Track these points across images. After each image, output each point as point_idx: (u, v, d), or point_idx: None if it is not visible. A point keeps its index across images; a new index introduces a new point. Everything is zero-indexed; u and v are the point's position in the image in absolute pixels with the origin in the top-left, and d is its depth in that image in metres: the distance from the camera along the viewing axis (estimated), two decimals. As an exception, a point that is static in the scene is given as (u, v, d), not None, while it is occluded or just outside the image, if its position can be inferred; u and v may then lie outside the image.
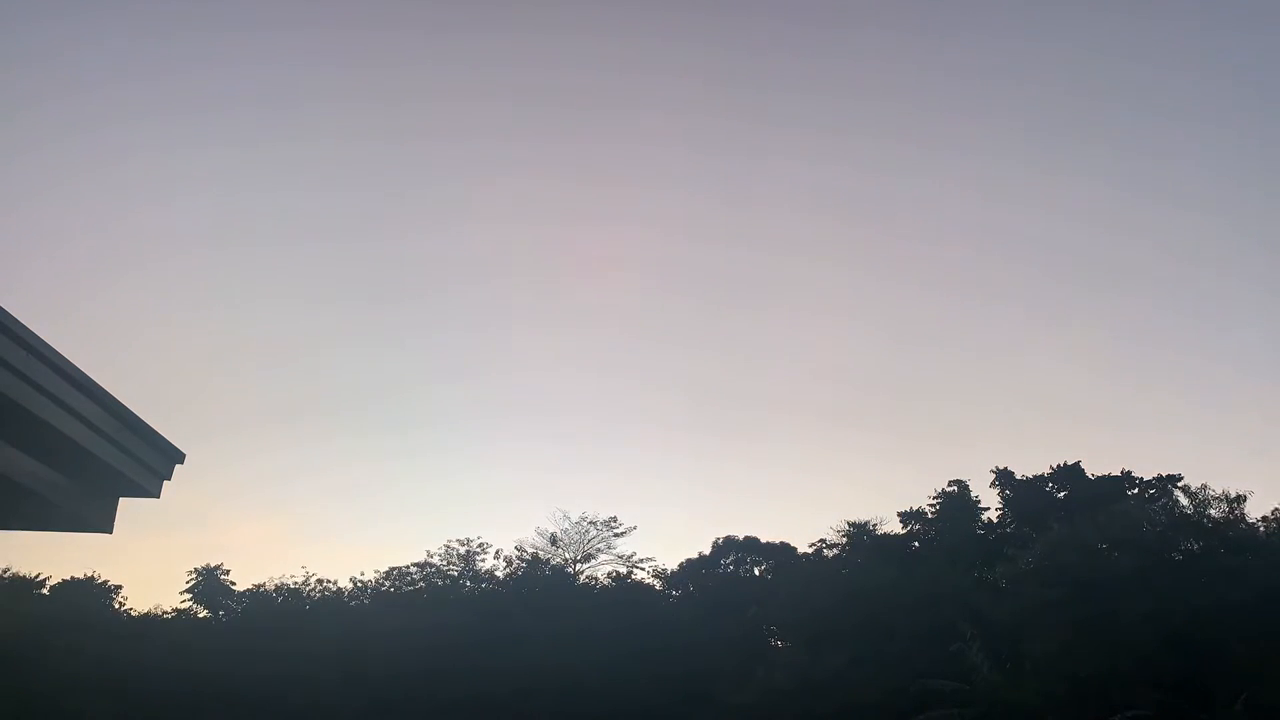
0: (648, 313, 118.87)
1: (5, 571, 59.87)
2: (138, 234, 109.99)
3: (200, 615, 63.99)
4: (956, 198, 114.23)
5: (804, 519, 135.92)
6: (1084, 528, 43.41)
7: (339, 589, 63.80)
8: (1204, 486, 52.30)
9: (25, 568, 61.32)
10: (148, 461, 6.54)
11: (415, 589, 63.34)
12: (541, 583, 62.07)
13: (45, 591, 62.08)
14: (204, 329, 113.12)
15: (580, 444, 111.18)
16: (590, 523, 67.05)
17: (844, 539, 67.26)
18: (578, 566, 66.50)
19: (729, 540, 72.29)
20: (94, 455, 6.01)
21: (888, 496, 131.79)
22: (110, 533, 6.90)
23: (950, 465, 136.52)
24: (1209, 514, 48.56)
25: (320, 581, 63.19)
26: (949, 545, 58.88)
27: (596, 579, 65.63)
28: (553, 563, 65.25)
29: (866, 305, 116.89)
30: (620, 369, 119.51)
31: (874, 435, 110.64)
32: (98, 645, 52.80)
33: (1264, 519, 51.07)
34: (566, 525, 66.96)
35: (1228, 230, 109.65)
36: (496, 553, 65.15)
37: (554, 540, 66.81)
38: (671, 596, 68.95)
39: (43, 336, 5.33)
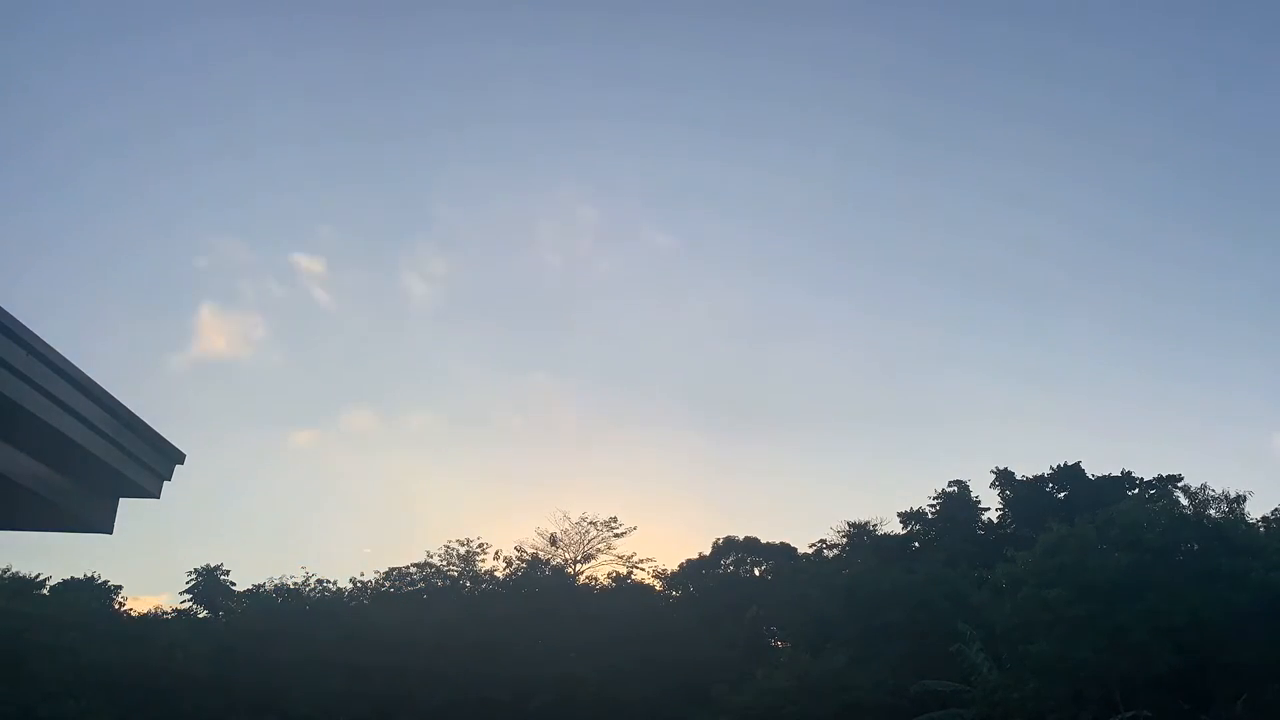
0: (649, 312, 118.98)
1: (5, 571, 59.82)
2: (140, 235, 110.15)
3: (200, 615, 63.91)
4: (958, 198, 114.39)
5: (804, 519, 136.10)
6: (1084, 528, 43.35)
7: (339, 589, 63.72)
8: (1204, 486, 52.41)
9: (25, 568, 61.32)
10: (148, 461, 6.53)
11: (415, 589, 63.22)
12: (541, 583, 61.96)
13: (45, 591, 62.02)
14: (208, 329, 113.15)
15: (580, 444, 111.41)
16: (590, 523, 66.96)
17: (844, 539, 67.34)
18: (577, 567, 66.39)
19: (729, 541, 72.23)
20: (94, 455, 5.99)
21: (888, 496, 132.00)
22: (110, 533, 6.89)
23: (950, 465, 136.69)
24: (1209, 514, 48.56)
25: (320, 582, 63.12)
26: (949, 545, 58.91)
27: (596, 579, 65.54)
28: (552, 563, 65.14)
29: (867, 305, 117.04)
30: (621, 369, 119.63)
31: (874, 435, 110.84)
32: (98, 645, 52.74)
33: (1264, 519, 51.14)
34: (566, 525, 66.92)
35: (1227, 231, 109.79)
36: (496, 553, 65.06)
37: (554, 540, 66.70)
38: (671, 597, 68.85)
39: (43, 337, 5.33)
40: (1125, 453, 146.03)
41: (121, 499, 6.87)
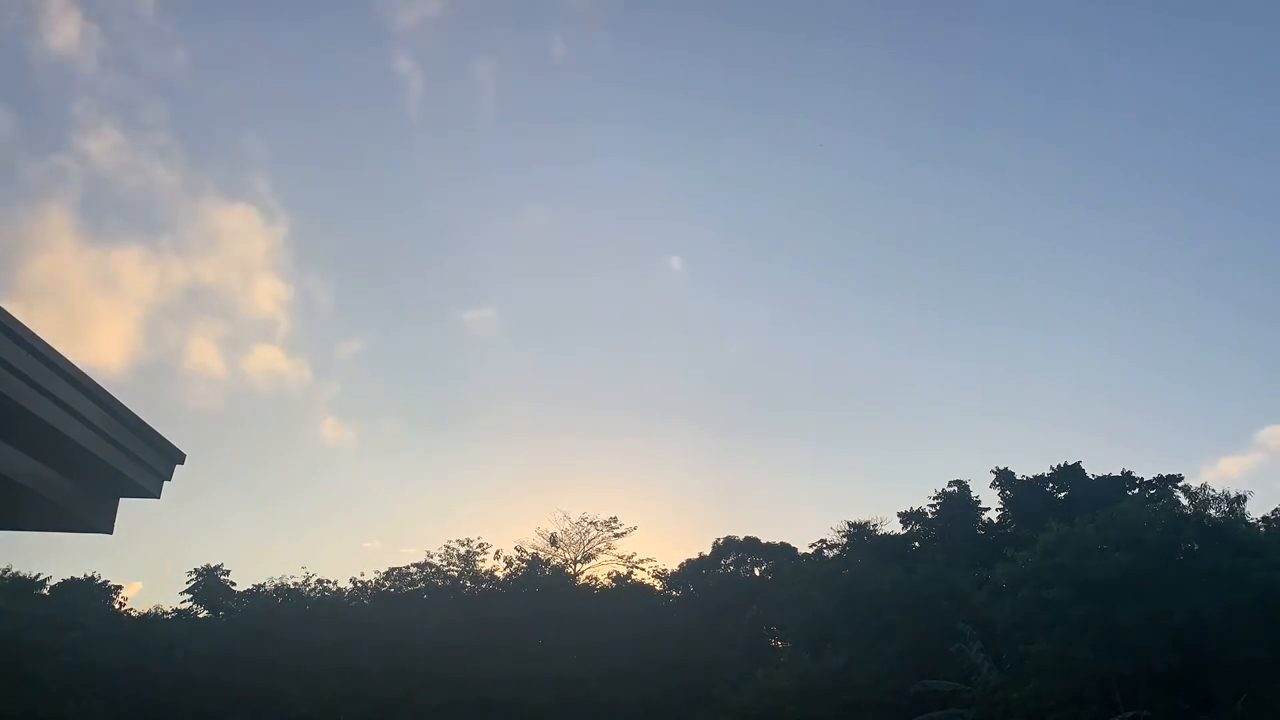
0: (650, 313, 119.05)
1: (5, 571, 59.83)
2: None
3: (200, 615, 63.86)
4: (959, 200, 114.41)
5: (804, 519, 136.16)
6: (1084, 528, 43.31)
7: (339, 589, 63.69)
8: (1204, 486, 52.36)
9: (25, 568, 61.33)
10: (148, 461, 6.53)
11: (415, 589, 63.19)
12: (541, 583, 61.92)
13: (45, 591, 62.00)
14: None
15: (581, 444, 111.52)
16: (590, 523, 66.96)
17: (844, 539, 67.26)
18: (578, 567, 66.35)
19: (729, 541, 72.17)
20: (94, 455, 5.99)
21: (888, 496, 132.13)
22: (110, 533, 6.89)
23: (950, 465, 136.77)
24: (1209, 514, 48.52)
25: (320, 582, 63.10)
26: (949, 545, 58.87)
27: (596, 579, 65.52)
28: (553, 563, 65.10)
29: (866, 305, 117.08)
30: (622, 369, 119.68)
31: (874, 435, 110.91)
32: (98, 645, 52.74)
33: (1264, 519, 51.12)
34: (566, 525, 66.89)
35: (1227, 231, 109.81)
36: (496, 553, 65.05)
37: (554, 540, 66.69)
38: (672, 597, 68.81)
39: (43, 337, 5.33)
40: (1125, 453, 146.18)
41: (121, 499, 6.87)
